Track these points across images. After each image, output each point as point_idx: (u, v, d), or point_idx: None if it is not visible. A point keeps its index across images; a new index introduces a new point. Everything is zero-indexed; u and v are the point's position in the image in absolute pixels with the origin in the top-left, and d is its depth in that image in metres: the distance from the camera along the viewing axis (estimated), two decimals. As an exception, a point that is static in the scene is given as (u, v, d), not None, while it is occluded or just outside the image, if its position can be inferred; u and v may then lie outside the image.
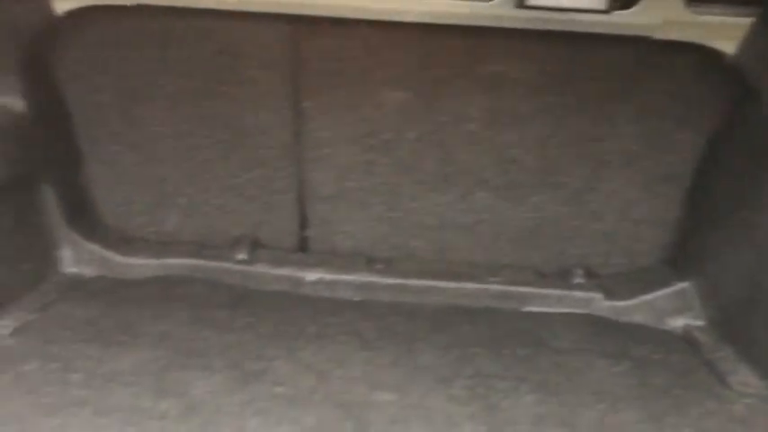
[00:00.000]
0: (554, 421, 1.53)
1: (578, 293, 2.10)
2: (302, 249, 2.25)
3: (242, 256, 2.15)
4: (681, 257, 2.10)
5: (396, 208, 2.17)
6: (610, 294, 2.09)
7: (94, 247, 2.13)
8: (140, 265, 2.14)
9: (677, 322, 2.01)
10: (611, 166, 2.08)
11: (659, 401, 1.64)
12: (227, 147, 2.11)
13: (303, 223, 2.23)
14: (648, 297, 2.06)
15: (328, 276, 2.11)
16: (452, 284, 2.10)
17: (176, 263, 2.15)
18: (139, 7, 1.79)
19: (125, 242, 2.17)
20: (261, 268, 2.13)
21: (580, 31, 1.75)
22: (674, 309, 2.03)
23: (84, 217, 2.15)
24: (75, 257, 2.11)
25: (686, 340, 1.95)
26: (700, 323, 1.99)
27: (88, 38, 1.91)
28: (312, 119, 2.06)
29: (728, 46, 1.77)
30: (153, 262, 2.14)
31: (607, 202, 2.12)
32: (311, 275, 2.12)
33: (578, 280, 2.12)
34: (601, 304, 2.08)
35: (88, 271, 2.12)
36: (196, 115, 2.05)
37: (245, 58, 1.96)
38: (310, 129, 2.07)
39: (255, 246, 2.19)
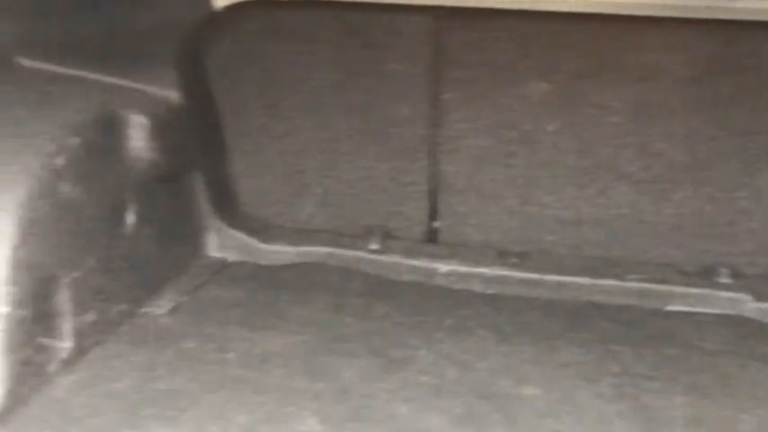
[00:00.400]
0: (712, 425, 1.48)
1: (724, 293, 2.00)
2: (431, 240, 2.26)
3: (374, 245, 2.19)
4: None
5: (531, 201, 2.14)
6: (759, 296, 1.98)
7: (237, 234, 2.22)
8: (279, 251, 2.21)
9: None
10: (765, 161, 1.97)
11: None
12: (363, 138, 2.15)
13: (433, 215, 2.24)
14: None
15: (461, 268, 2.11)
16: (589, 281, 2.06)
17: (312, 250, 2.21)
18: (291, 2, 1.85)
19: (264, 230, 2.25)
20: (393, 258, 2.16)
21: (745, 18, 1.67)
22: None
23: (227, 205, 2.24)
24: (219, 243, 2.21)
25: None
26: None
27: (238, 32, 2.00)
28: (450, 110, 2.06)
29: None
30: (290, 249, 2.21)
31: (757, 199, 2.01)
32: (444, 267, 2.12)
33: (724, 280, 2.03)
34: (749, 305, 1.98)
35: (231, 256, 2.21)
36: (336, 107, 2.10)
37: (387, 51, 1.99)
38: (448, 120, 2.08)
39: (387, 236, 2.22)
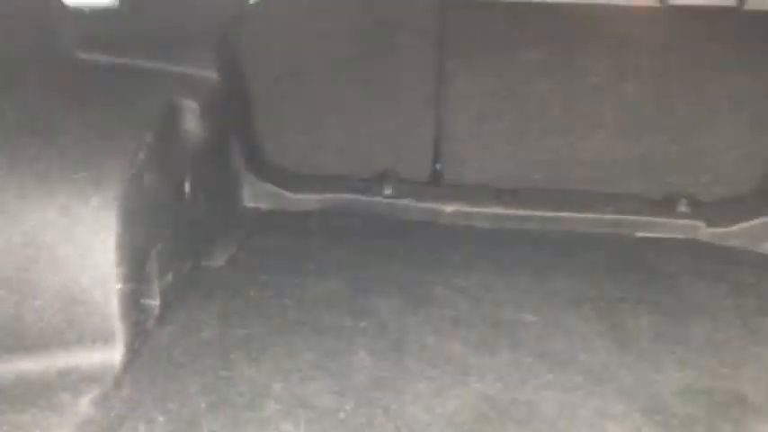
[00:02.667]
0: (669, 338, 1.90)
1: (683, 221, 2.41)
2: (436, 182, 2.61)
3: (388, 191, 2.54)
4: None
5: (521, 148, 2.49)
6: (711, 222, 2.40)
7: (267, 186, 2.55)
8: (305, 199, 2.56)
9: None
10: (719, 110, 2.32)
11: (757, 321, 1.98)
12: (375, 98, 2.45)
13: (437, 159, 2.59)
14: (745, 225, 2.37)
15: (464, 208, 2.48)
16: (572, 214, 2.45)
17: (334, 197, 2.56)
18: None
19: (291, 180, 2.58)
20: (405, 201, 2.52)
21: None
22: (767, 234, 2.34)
23: (257, 160, 2.56)
24: (253, 194, 2.55)
25: None
26: None
27: (270, 17, 2.24)
28: (453, 75, 2.36)
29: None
30: (315, 197, 2.56)
31: (715, 140, 2.38)
32: (449, 207, 2.49)
33: (683, 209, 2.43)
34: (703, 231, 2.39)
35: (263, 205, 2.56)
36: (353, 75, 2.39)
37: (398, 27, 2.25)
38: (450, 83, 2.38)
39: (398, 180, 2.57)
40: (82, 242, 1.68)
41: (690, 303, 2.07)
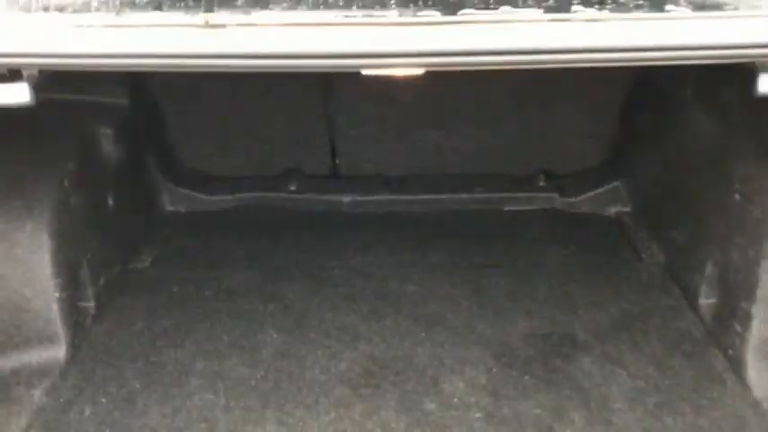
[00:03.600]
0: (521, 295, 2.33)
1: (541, 194, 2.86)
2: (336, 175, 2.98)
3: (293, 187, 2.90)
4: (615, 163, 2.85)
5: (404, 140, 2.88)
6: (563, 193, 2.85)
7: (184, 191, 2.88)
8: (219, 200, 2.90)
9: (611, 211, 2.80)
10: (565, 100, 2.76)
11: (594, 275, 2.44)
12: (275, 109, 2.79)
13: (334, 156, 2.96)
14: (591, 194, 2.83)
15: (359, 197, 2.87)
16: (449, 195, 2.86)
17: (245, 196, 2.91)
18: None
19: (206, 184, 2.91)
20: (308, 195, 2.89)
21: None
22: (608, 201, 2.81)
23: (174, 169, 2.88)
24: (172, 199, 2.87)
25: (617, 225, 2.74)
26: (627, 210, 2.78)
27: None
28: (339, 90, 2.73)
29: None
30: (228, 197, 2.91)
31: (563, 124, 2.82)
32: (346, 198, 2.88)
33: (541, 183, 2.88)
34: (558, 201, 2.85)
35: (182, 209, 2.89)
36: (254, 91, 2.72)
37: None
38: (337, 95, 2.75)
39: (302, 177, 2.93)
40: (22, 262, 1.99)
41: (541, 264, 2.51)
